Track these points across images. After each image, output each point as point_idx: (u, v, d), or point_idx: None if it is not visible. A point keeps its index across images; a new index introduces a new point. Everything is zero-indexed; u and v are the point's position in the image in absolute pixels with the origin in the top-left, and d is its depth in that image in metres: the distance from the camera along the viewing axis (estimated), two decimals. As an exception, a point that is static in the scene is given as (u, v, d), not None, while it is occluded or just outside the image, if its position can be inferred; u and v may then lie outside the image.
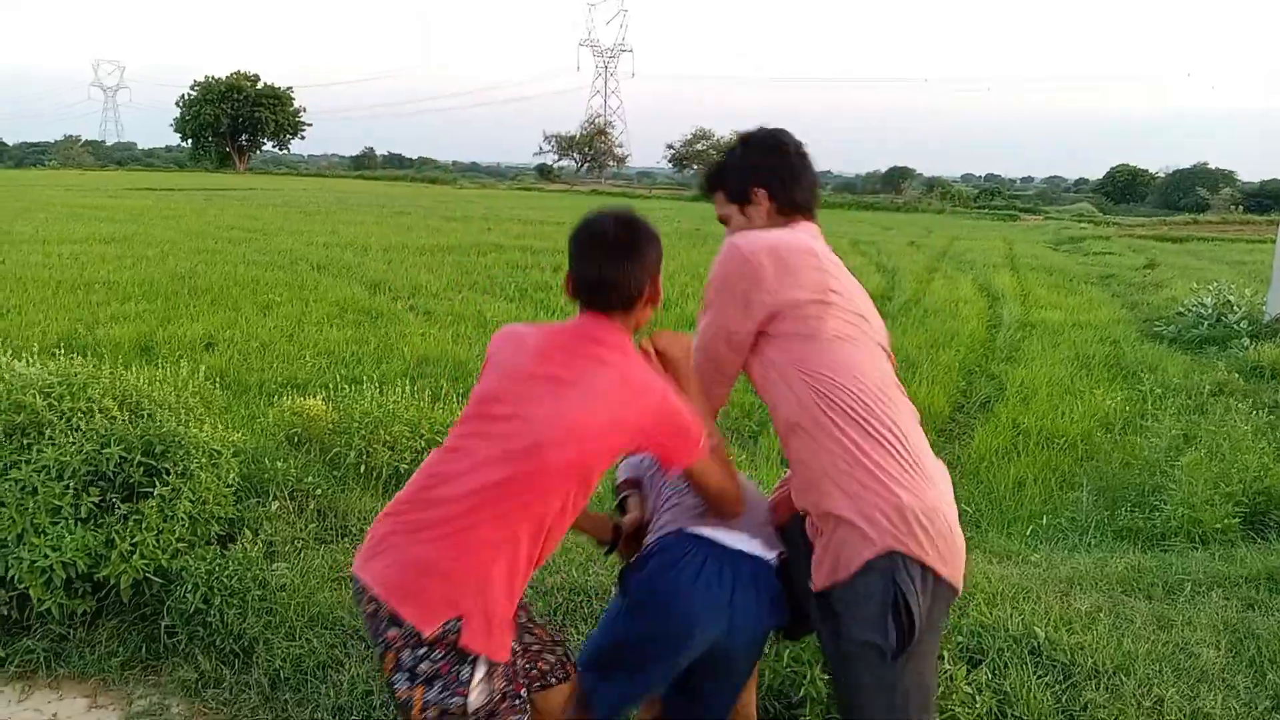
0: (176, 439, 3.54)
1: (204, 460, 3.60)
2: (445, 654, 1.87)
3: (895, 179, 76.68)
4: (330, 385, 5.83)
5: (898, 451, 1.91)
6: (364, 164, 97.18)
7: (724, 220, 2.31)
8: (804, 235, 2.15)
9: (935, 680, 2.06)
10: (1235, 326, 10.08)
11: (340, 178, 69.55)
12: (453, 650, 1.86)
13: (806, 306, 2.00)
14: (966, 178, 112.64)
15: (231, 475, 3.73)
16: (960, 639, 3.06)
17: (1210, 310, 10.75)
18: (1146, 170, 75.09)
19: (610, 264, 2.04)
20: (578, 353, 2.02)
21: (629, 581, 2.22)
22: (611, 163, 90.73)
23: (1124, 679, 2.96)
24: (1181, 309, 11.58)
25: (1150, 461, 5.81)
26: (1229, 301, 10.74)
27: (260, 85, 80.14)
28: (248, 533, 3.58)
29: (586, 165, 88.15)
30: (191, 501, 3.43)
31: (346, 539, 3.99)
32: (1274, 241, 11.13)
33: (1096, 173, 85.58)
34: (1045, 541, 4.73)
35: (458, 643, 1.86)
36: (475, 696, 1.86)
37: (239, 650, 3.15)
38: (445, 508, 1.91)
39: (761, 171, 2.23)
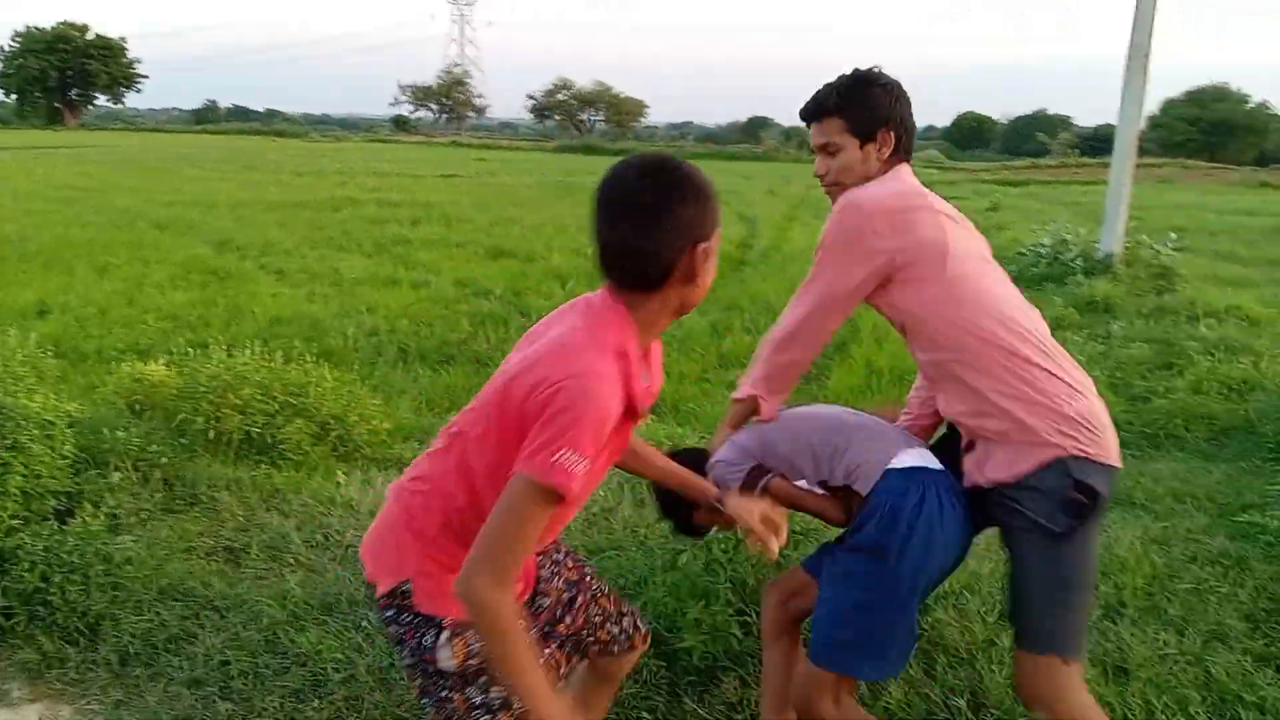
0: (5, 411, 3.32)
1: (36, 432, 3.41)
2: (410, 617, 1.72)
3: (755, 129, 77.68)
4: (175, 350, 5.57)
5: (1057, 365, 2.07)
6: (207, 118, 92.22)
7: (827, 150, 2.25)
8: (914, 180, 2.20)
9: (1096, 562, 2.23)
10: (1071, 264, 10.65)
11: (181, 132, 65.87)
12: (414, 614, 1.71)
13: (938, 248, 2.06)
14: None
15: (67, 447, 3.53)
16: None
17: (1048, 249, 11.33)
18: (990, 117, 78.29)
19: (623, 226, 1.62)
20: (561, 310, 1.77)
21: (872, 536, 2.05)
22: (471, 113, 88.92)
23: (969, 597, 3.13)
24: (1022, 249, 12.16)
25: (994, 393, 6.12)
26: (1065, 240, 11.33)
27: (90, 35, 74.82)
28: (88, 506, 3.39)
29: (445, 116, 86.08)
30: (24, 476, 3.25)
31: (196, 508, 3.85)
32: (1106, 183, 11.78)
33: (944, 120, 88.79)
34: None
35: (413, 606, 1.71)
36: (444, 660, 1.69)
37: (84, 628, 3.01)
38: (414, 469, 1.82)
39: (894, 118, 2.21)
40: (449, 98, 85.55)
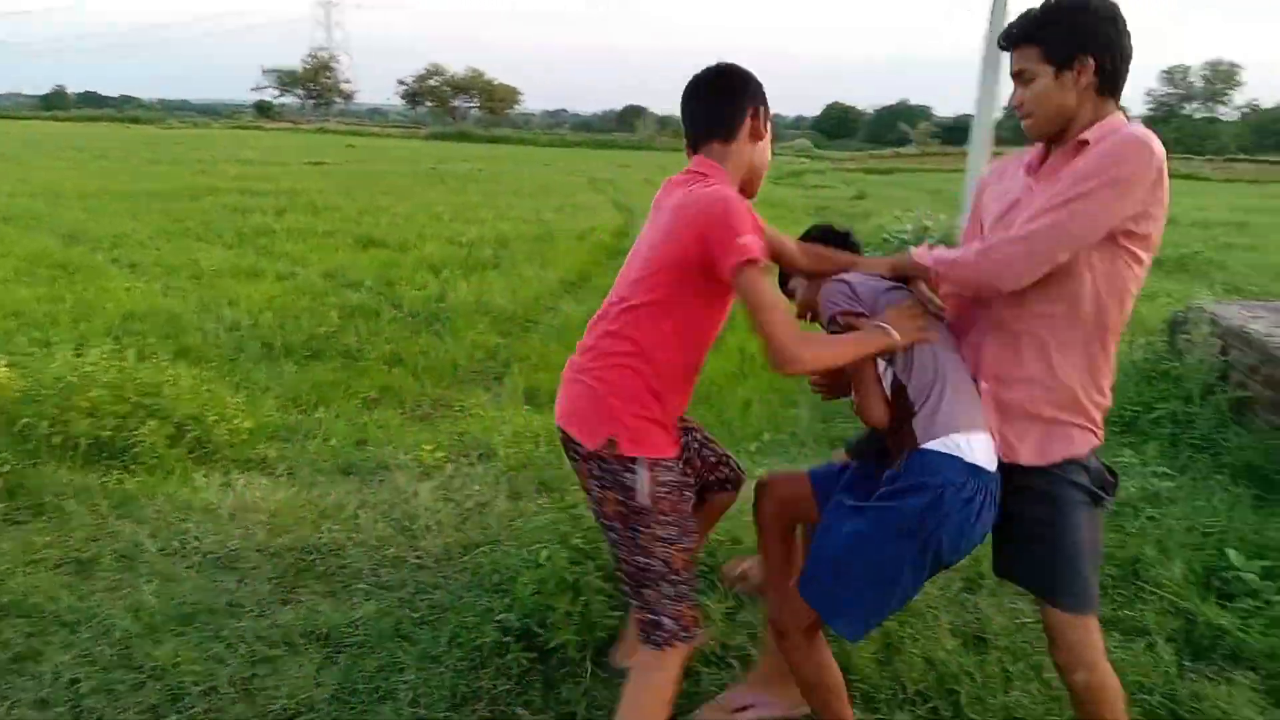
0: None
1: None
2: (613, 463, 2.11)
3: (630, 118, 77.92)
4: (17, 350, 5.23)
5: (1110, 367, 2.16)
6: (55, 104, 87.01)
7: (1021, 78, 2.09)
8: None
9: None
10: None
11: (27, 119, 61.87)
12: (617, 460, 2.11)
13: (1157, 222, 2.02)
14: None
15: (-107, 457, 3.27)
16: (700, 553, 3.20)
17: (910, 234, 11.74)
18: (856, 107, 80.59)
19: (694, 100, 2.26)
20: (676, 182, 2.24)
21: (912, 513, 2.00)
22: (338, 99, 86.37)
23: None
24: (886, 235, 12.57)
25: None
26: (927, 227, 11.77)
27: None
28: (-83, 520, 3.15)
29: (311, 102, 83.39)
30: None
31: (41, 518, 3.62)
32: (964, 171, 12.26)
33: (814, 110, 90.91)
34: (771, 455, 5.03)
35: (619, 453, 2.10)
36: (643, 495, 2.10)
37: (-85, 651, 2.80)
38: (589, 340, 2.21)
39: (1098, 39, 2.01)
40: (315, 83, 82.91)
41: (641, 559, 2.14)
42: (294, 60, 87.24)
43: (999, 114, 11.20)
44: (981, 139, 11.06)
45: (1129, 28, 2.03)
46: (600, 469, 2.14)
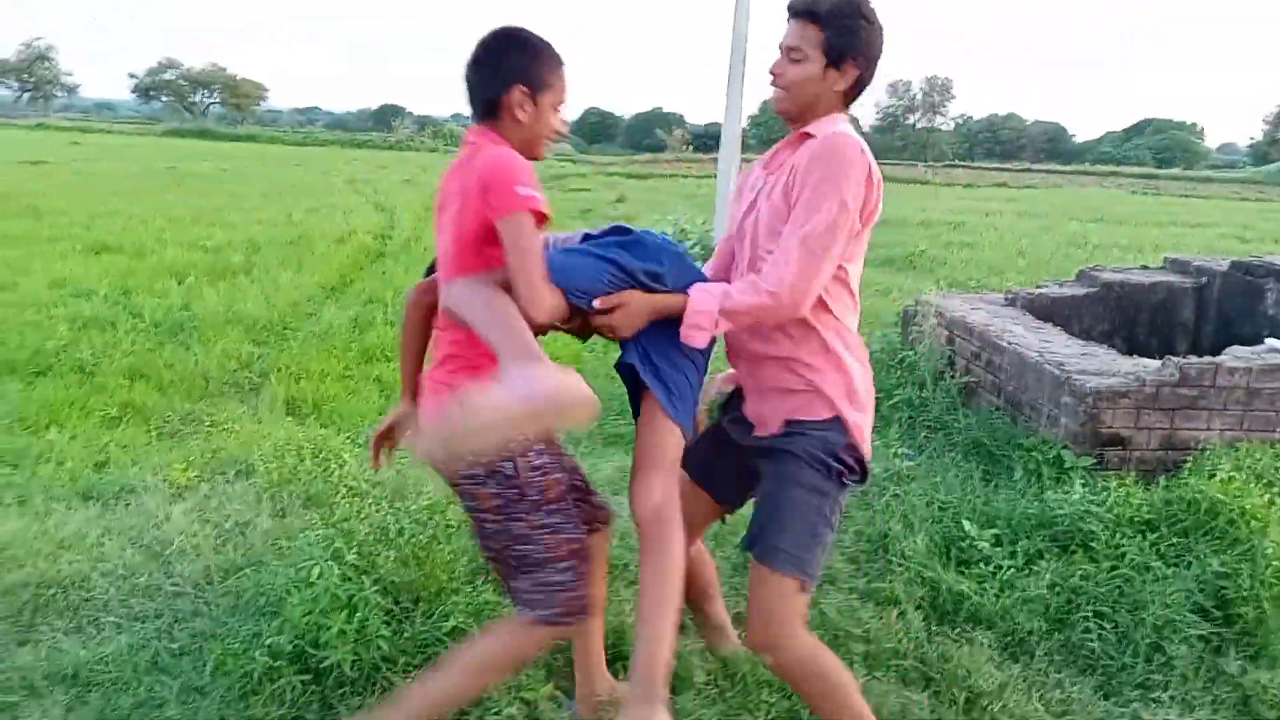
0: None
1: None
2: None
3: (387, 117, 75.77)
4: None
5: (858, 339, 2.27)
6: None
7: (793, 55, 2.16)
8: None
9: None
10: (690, 250, 11.51)
11: None
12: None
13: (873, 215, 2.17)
14: (457, 117, 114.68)
15: None
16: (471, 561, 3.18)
17: (670, 237, 12.16)
18: (614, 113, 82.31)
19: (468, 69, 2.14)
20: (458, 165, 2.15)
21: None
22: (59, 93, 78.76)
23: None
24: (648, 238, 12.95)
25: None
26: (685, 230, 12.22)
27: None
28: None
29: (27, 95, 75.58)
30: None
31: None
32: (715, 176, 12.82)
33: (573, 115, 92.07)
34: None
35: None
36: (518, 478, 2.10)
37: None
38: (442, 351, 2.20)
39: (871, 51, 2.14)
40: (31, 74, 75.20)
41: (521, 548, 2.12)
42: (6, 50, 78.59)
43: (744, 123, 11.86)
44: (730, 145, 11.65)
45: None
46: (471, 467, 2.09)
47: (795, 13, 2.15)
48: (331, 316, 7.97)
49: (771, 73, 2.21)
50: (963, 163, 55.75)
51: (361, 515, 3.29)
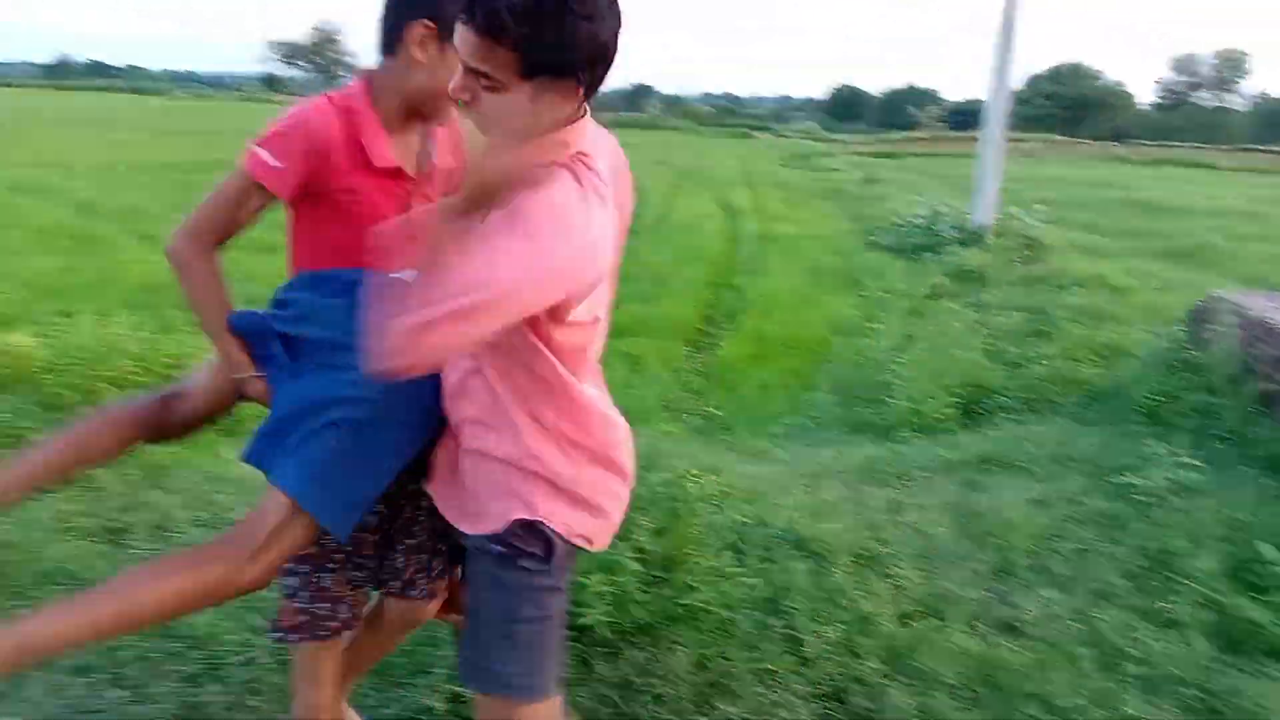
0: None
1: (-110, 409, 3.15)
2: None
3: (638, 98, 77.52)
4: (40, 319, 5.25)
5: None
6: (60, 73, 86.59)
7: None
8: None
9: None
10: (945, 234, 11.05)
11: (33, 87, 61.58)
12: None
13: None
14: (705, 96, 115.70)
15: (-73, 424, 3.29)
16: (725, 534, 3.22)
17: (923, 220, 11.73)
18: (865, 90, 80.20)
19: None
20: None
21: None
22: (344, 72, 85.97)
23: (868, 562, 3.23)
24: (899, 220, 12.55)
25: (877, 360, 6.31)
26: (939, 212, 11.75)
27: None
28: (-48, 488, 3.17)
29: (319, 75, 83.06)
30: (-124, 457, 2.99)
31: (74, 487, 3.63)
32: (975, 156, 12.22)
33: (822, 92, 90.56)
34: (790, 439, 5.05)
35: None
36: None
37: (-46, 617, 2.82)
38: None
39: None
40: (321, 55, 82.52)
41: None
42: (300, 33, 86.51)
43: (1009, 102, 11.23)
44: (995, 123, 11.08)
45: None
46: None
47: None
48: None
49: None
50: (1260, 146, 50.17)
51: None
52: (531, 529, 1.65)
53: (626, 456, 1.77)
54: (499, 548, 1.66)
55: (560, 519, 1.66)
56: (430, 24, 1.70)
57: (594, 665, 2.72)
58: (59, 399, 4.11)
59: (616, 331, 6.63)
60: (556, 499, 1.66)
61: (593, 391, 1.69)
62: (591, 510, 1.70)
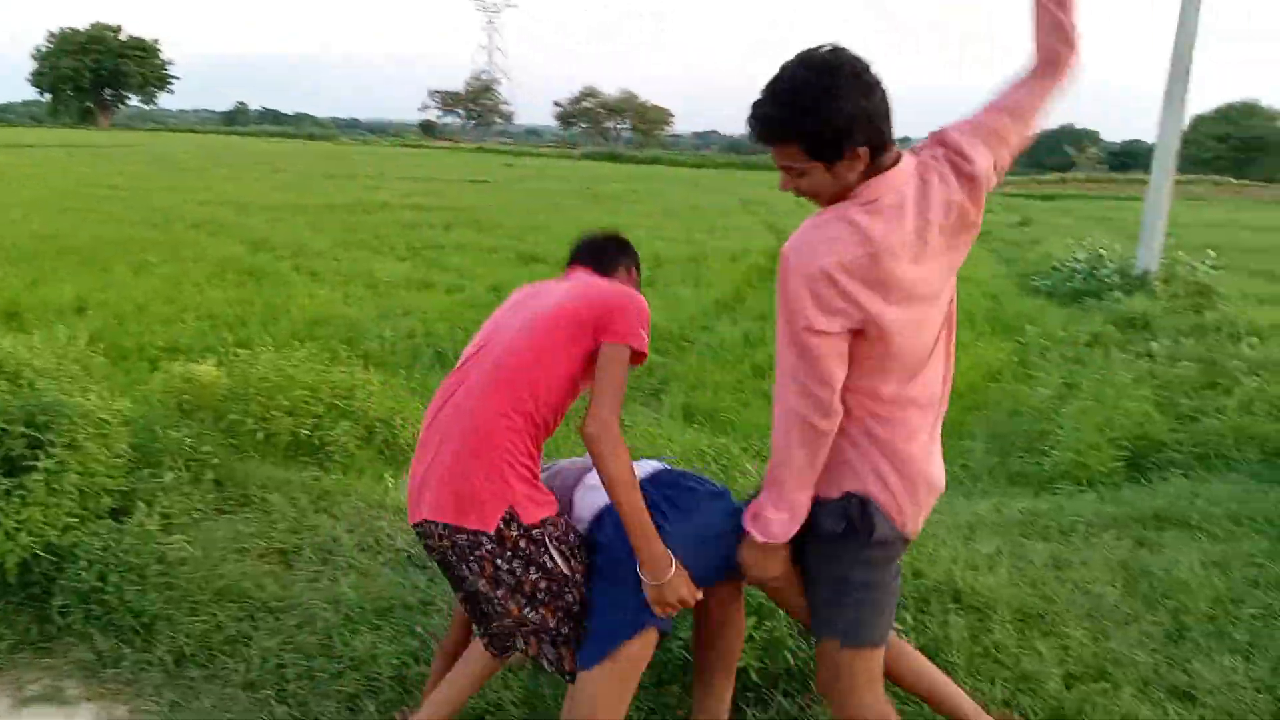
0: (60, 408, 3.32)
1: (90, 430, 3.40)
2: (521, 546, 2.08)
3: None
4: (216, 349, 5.60)
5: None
6: (237, 119, 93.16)
7: (790, 172, 1.87)
8: None
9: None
10: (1108, 280, 10.56)
11: (212, 133, 66.41)
12: (522, 537, 2.08)
13: None
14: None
15: (121, 445, 3.53)
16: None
17: (1084, 264, 11.24)
18: (1017, 130, 77.83)
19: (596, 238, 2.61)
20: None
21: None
22: (498, 119, 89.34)
23: (1031, 619, 3.08)
24: (1056, 264, 12.07)
25: (1037, 409, 6.06)
26: (1101, 255, 11.25)
27: (124, 36, 75.57)
28: (142, 505, 3.39)
29: (472, 122, 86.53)
30: (79, 474, 3.23)
31: (248, 509, 3.84)
32: (1138, 199, 11.68)
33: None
34: (945, 489, 4.88)
35: (524, 525, 2.07)
36: (559, 560, 2.12)
37: (139, 628, 3.00)
38: (452, 425, 2.14)
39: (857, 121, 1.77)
40: (477, 104, 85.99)
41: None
42: (458, 83, 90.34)
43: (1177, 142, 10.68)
44: (1164, 164, 10.56)
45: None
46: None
47: (764, 141, 1.85)
48: (725, 331, 8.28)
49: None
50: None
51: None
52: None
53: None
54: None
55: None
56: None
57: (745, 710, 2.68)
58: (238, 425, 4.37)
59: (758, 372, 6.64)
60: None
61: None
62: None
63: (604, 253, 2.49)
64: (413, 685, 2.75)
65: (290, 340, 6.50)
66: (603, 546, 2.18)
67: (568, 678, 2.18)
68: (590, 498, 2.27)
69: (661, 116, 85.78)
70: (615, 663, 2.10)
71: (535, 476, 2.13)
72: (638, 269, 2.57)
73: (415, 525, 2.18)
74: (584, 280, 2.35)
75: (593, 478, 2.27)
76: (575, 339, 2.14)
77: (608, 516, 2.17)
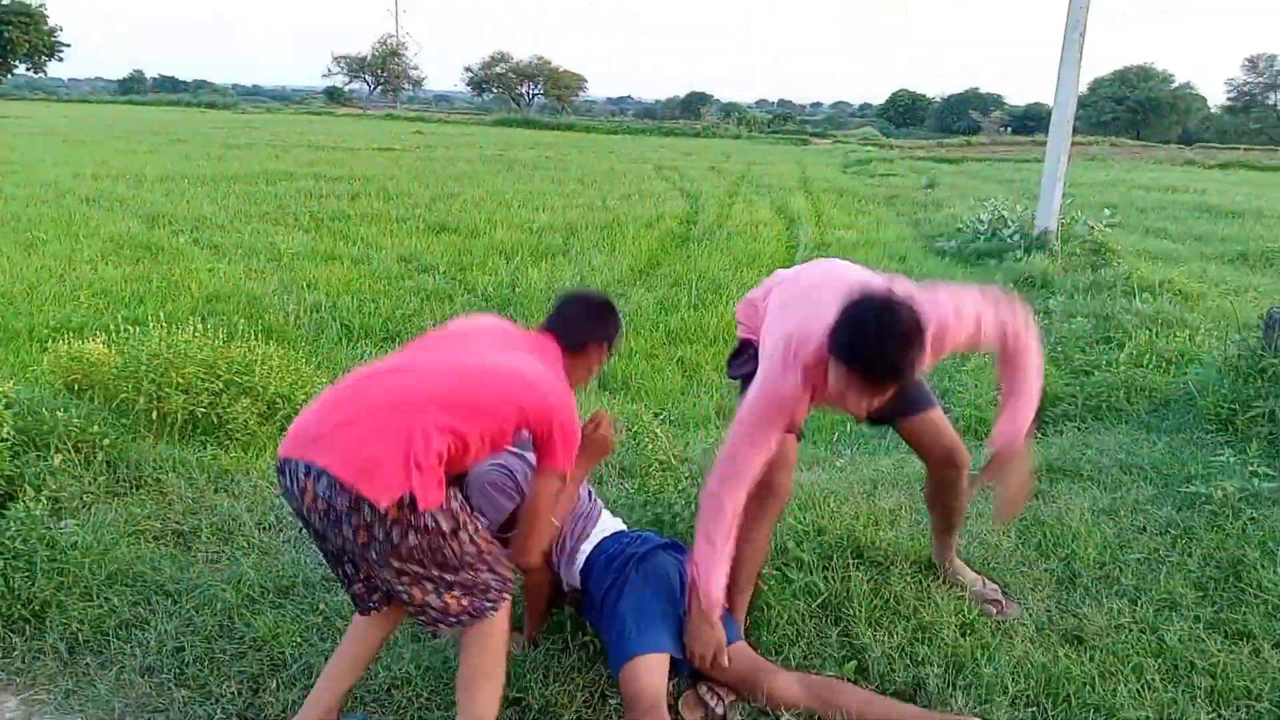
0: (-65, 392, 3.18)
1: (-30, 414, 3.26)
2: (407, 520, 2.11)
3: (694, 105, 77.47)
4: (111, 327, 5.39)
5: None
6: (133, 88, 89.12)
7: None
8: None
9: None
10: (1009, 240, 10.85)
11: (106, 103, 63.50)
12: (411, 515, 2.11)
13: None
14: (760, 103, 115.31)
15: (4, 429, 3.40)
16: (782, 541, 3.20)
17: (986, 226, 11.53)
18: (924, 95, 79.14)
19: (575, 306, 2.62)
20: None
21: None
22: (407, 85, 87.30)
23: (929, 571, 3.18)
24: (960, 225, 12.36)
25: (940, 368, 6.20)
26: (1003, 217, 11.53)
27: (6, 1, 71.49)
28: (29, 489, 3.27)
29: (380, 88, 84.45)
30: (-42, 460, 3.10)
31: (142, 490, 3.73)
32: (1039, 161, 11.99)
33: (879, 98, 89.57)
34: (849, 446, 4.99)
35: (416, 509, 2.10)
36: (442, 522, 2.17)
37: (29, 616, 2.90)
38: (379, 397, 2.19)
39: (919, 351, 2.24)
40: (384, 69, 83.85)
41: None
42: (364, 47, 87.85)
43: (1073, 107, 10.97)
44: (1061, 127, 10.84)
45: None
46: None
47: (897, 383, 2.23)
48: (640, 298, 8.28)
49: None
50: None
51: (677, 488, 3.39)
52: None
53: None
54: None
55: None
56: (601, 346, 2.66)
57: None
58: (129, 404, 4.22)
59: (672, 338, 6.69)
60: None
61: None
62: None
63: (577, 328, 2.56)
64: (314, 663, 2.72)
65: (189, 316, 6.30)
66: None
67: (452, 621, 2.28)
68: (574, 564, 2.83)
69: (574, 82, 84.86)
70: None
71: (441, 480, 2.16)
72: (615, 339, 2.64)
73: (284, 459, 2.17)
74: (535, 373, 2.34)
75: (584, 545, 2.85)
76: (516, 424, 2.28)
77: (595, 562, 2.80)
